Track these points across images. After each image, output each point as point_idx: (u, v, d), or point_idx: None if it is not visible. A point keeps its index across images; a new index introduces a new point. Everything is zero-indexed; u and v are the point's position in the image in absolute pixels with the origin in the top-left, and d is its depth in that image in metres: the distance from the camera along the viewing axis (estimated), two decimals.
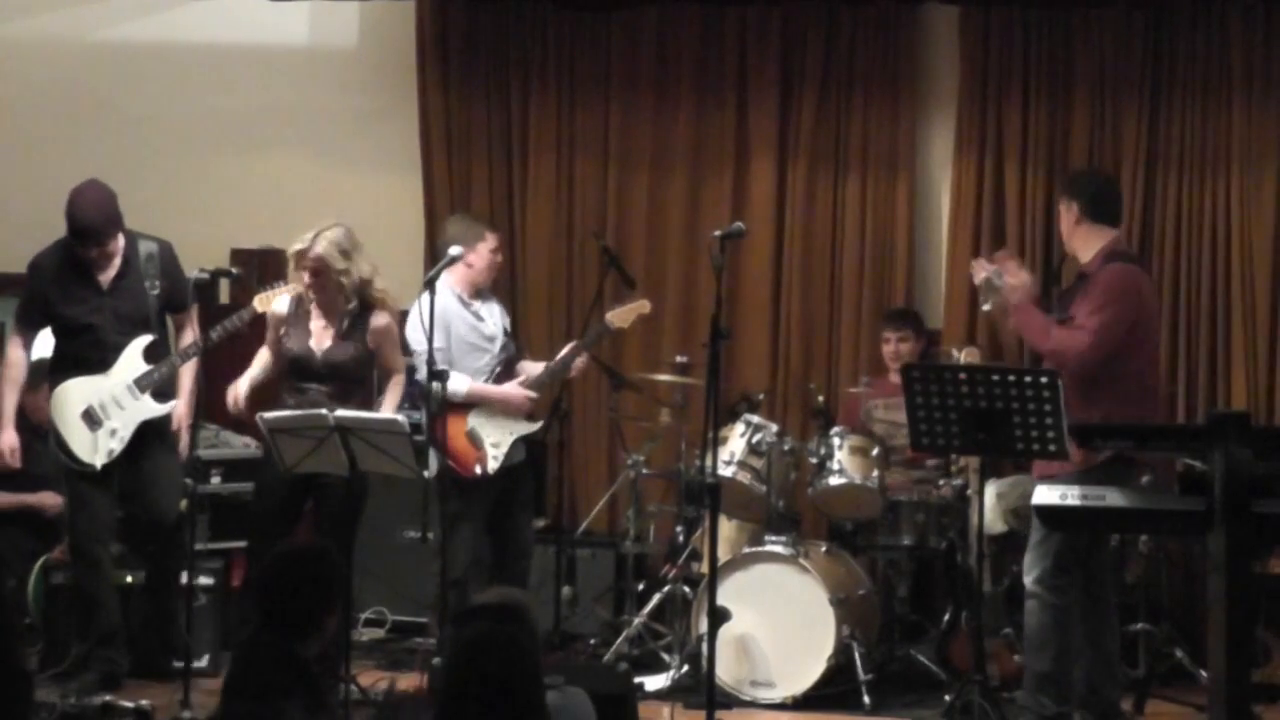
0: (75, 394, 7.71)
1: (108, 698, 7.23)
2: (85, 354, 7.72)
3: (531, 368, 8.10)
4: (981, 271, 7.20)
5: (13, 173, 9.64)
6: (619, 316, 8.11)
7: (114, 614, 7.76)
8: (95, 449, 7.67)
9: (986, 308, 7.42)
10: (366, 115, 9.50)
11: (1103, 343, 6.88)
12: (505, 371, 7.99)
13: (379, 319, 7.54)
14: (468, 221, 8.15)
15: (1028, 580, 7.02)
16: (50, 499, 8.62)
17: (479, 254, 7.92)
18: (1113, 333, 6.89)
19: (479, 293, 8.01)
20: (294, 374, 7.52)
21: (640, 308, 8.16)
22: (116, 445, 7.63)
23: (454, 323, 7.82)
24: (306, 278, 7.43)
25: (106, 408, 7.67)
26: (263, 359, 7.70)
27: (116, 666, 7.69)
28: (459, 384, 7.74)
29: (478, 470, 7.77)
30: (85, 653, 7.77)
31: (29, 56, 9.71)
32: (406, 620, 8.75)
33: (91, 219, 7.61)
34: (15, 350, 7.90)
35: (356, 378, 7.59)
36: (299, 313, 7.53)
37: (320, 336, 7.50)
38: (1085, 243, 7.11)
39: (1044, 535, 6.97)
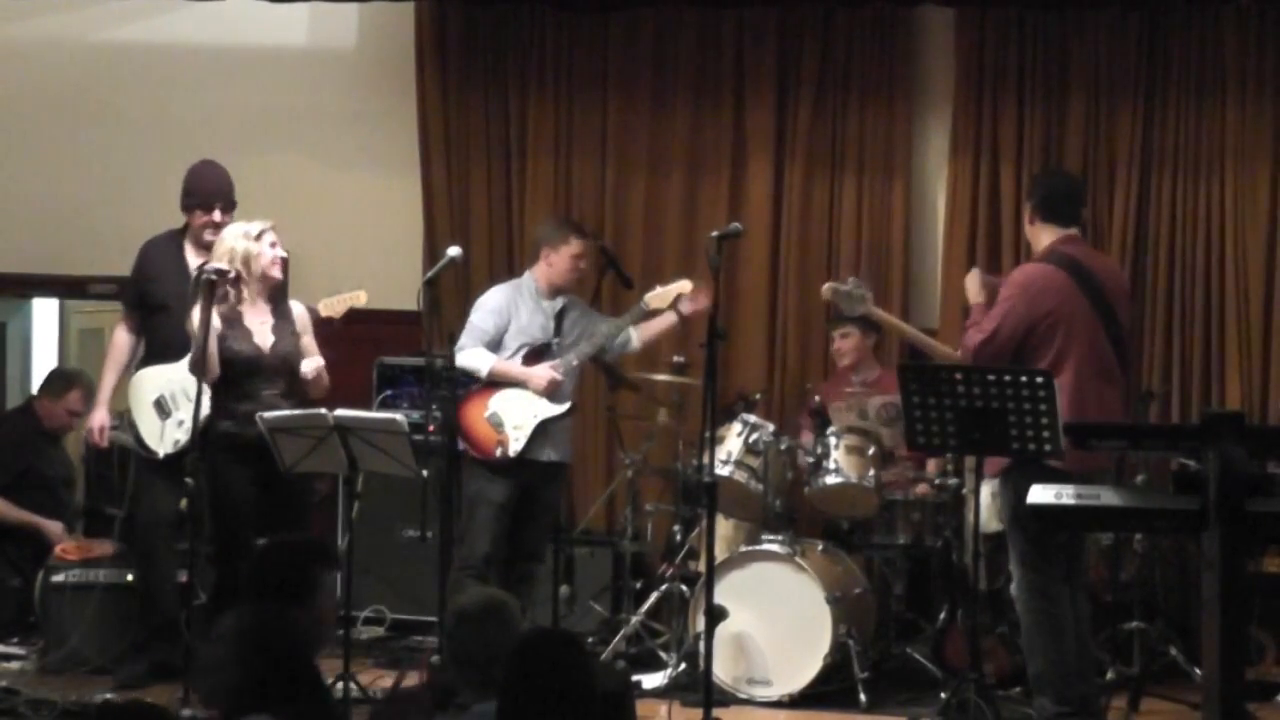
0: (149, 382, 7.75)
1: (109, 696, 7.27)
2: (161, 335, 7.75)
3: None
4: (827, 288, 7.56)
5: (13, 173, 9.67)
6: (658, 298, 8.07)
7: (169, 606, 7.73)
8: (162, 438, 7.69)
9: (846, 311, 7.75)
10: (365, 116, 9.52)
11: (992, 341, 6.97)
12: (526, 361, 7.98)
13: (299, 307, 7.53)
14: (557, 223, 8.20)
15: (1012, 588, 7.13)
16: (55, 529, 8.62)
17: (560, 255, 7.98)
18: (1003, 333, 6.97)
19: (558, 293, 8.05)
20: (242, 378, 7.36)
21: (681, 288, 8.08)
22: (183, 436, 7.50)
23: (520, 314, 7.89)
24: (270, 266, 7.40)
25: (176, 398, 7.66)
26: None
27: (169, 657, 7.65)
28: (481, 362, 7.81)
29: (498, 453, 7.80)
30: (141, 641, 7.84)
31: (29, 58, 9.73)
32: (406, 619, 8.78)
33: (221, 181, 7.90)
34: (121, 333, 8.02)
35: (298, 370, 7.49)
36: (231, 314, 7.38)
37: (261, 332, 7.40)
38: (1036, 242, 7.26)
39: (1011, 541, 7.09)
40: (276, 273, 7.44)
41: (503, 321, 7.93)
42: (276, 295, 7.51)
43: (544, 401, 7.88)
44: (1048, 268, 7.11)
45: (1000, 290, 7.19)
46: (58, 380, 9.12)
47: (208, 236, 7.78)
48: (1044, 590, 6.99)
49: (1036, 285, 7.07)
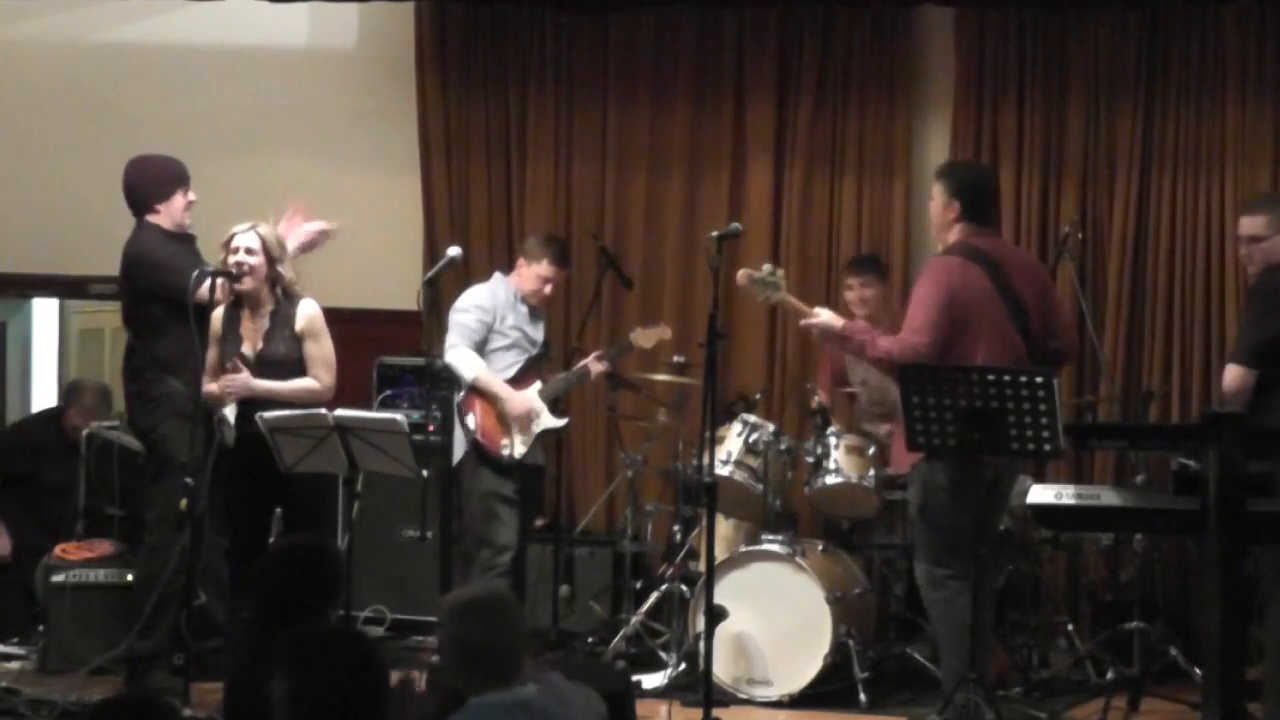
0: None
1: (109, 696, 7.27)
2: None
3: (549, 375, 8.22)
4: (743, 274, 7.34)
5: (13, 173, 9.67)
6: (644, 337, 8.34)
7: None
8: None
9: (761, 300, 7.60)
10: (365, 116, 9.53)
11: (921, 337, 6.93)
12: (526, 370, 8.06)
13: (308, 306, 7.41)
14: (542, 241, 8.24)
15: (916, 575, 7.23)
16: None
17: (529, 271, 8.11)
18: (935, 321, 6.91)
19: (526, 303, 8.17)
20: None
21: (663, 333, 8.41)
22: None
23: (507, 315, 8.02)
24: (243, 263, 7.32)
25: None
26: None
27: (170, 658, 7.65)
28: (468, 366, 7.88)
29: (504, 451, 7.90)
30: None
31: (30, 58, 9.74)
32: (405, 619, 8.78)
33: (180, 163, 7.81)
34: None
35: (296, 374, 7.35)
36: (232, 317, 7.39)
37: (252, 337, 7.36)
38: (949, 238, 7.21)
39: (916, 533, 7.17)
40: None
41: (489, 320, 8.04)
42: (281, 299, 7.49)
43: (547, 412, 8.04)
44: (960, 260, 7.10)
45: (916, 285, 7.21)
46: (70, 392, 9.24)
47: (188, 220, 7.75)
48: (942, 583, 7.02)
49: (945, 273, 7.07)
